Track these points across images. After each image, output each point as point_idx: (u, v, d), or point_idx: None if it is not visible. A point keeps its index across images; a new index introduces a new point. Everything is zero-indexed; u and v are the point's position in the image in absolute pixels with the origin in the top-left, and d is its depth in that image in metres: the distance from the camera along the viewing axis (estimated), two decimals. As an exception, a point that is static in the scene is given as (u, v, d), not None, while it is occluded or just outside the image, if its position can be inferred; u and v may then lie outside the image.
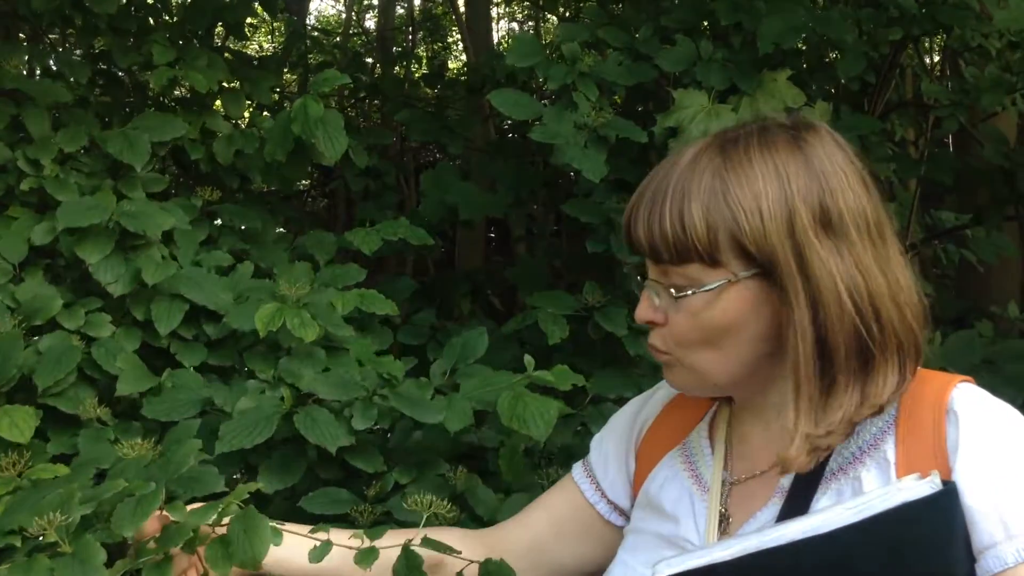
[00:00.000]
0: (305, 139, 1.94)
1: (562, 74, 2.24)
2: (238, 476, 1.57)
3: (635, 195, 1.01)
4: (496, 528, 1.26)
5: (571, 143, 2.09)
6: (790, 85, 2.31)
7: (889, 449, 0.96)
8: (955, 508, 0.90)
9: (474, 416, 1.60)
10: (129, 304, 1.77)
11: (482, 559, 1.07)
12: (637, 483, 1.15)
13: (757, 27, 2.33)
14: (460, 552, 1.06)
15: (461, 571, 1.08)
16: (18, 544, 0.98)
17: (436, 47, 7.68)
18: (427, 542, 1.04)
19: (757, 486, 1.03)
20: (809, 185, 0.94)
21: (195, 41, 2.46)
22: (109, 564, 0.95)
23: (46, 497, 1.01)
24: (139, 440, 1.39)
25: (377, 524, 1.47)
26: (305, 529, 1.08)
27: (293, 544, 1.05)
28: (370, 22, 7.92)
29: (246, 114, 2.61)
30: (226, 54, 2.66)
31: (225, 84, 2.44)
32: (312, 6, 7.74)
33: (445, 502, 1.17)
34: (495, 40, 6.47)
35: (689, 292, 0.97)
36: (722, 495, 1.04)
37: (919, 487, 0.89)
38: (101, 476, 1.36)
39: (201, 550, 0.98)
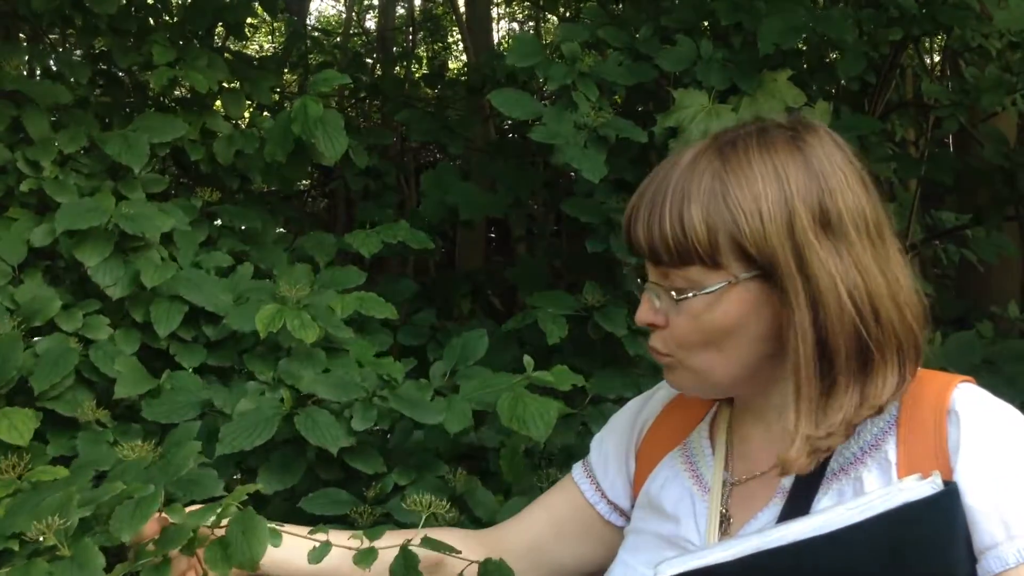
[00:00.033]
0: (305, 139, 1.94)
1: (562, 74, 2.23)
2: (237, 477, 1.57)
3: (634, 197, 1.01)
4: (496, 528, 1.26)
5: (571, 143, 2.09)
6: (790, 85, 2.31)
7: (890, 449, 0.96)
8: (956, 508, 0.90)
9: (474, 416, 1.60)
10: (128, 306, 1.77)
11: (481, 559, 1.06)
12: (637, 483, 1.15)
13: (757, 27, 2.33)
14: (460, 552, 1.06)
15: (462, 572, 1.08)
16: (16, 548, 0.97)
17: (436, 47, 7.68)
18: (426, 542, 1.04)
19: (758, 487, 1.02)
20: (808, 186, 0.94)
21: (195, 41, 2.46)
22: (108, 567, 0.95)
23: (45, 500, 1.01)
24: (139, 442, 1.39)
25: (377, 525, 1.47)
26: (304, 530, 1.08)
27: (292, 545, 1.05)
28: (370, 22, 7.92)
29: (246, 114, 2.61)
30: (226, 54, 2.66)
31: (225, 84, 2.44)
32: (312, 6, 7.74)
33: (444, 502, 1.17)
34: (495, 40, 6.47)
35: (690, 295, 0.96)
36: (723, 495, 1.04)
37: (920, 487, 0.89)
38: (101, 478, 1.36)
39: (200, 552, 0.98)
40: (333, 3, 9.49)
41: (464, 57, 5.78)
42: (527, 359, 1.65)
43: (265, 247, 2.21)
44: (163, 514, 1.00)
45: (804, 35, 2.40)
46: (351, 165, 2.39)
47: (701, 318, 0.97)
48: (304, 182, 5.10)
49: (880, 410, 0.95)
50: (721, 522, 1.03)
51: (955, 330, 2.50)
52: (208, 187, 2.18)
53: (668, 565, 0.92)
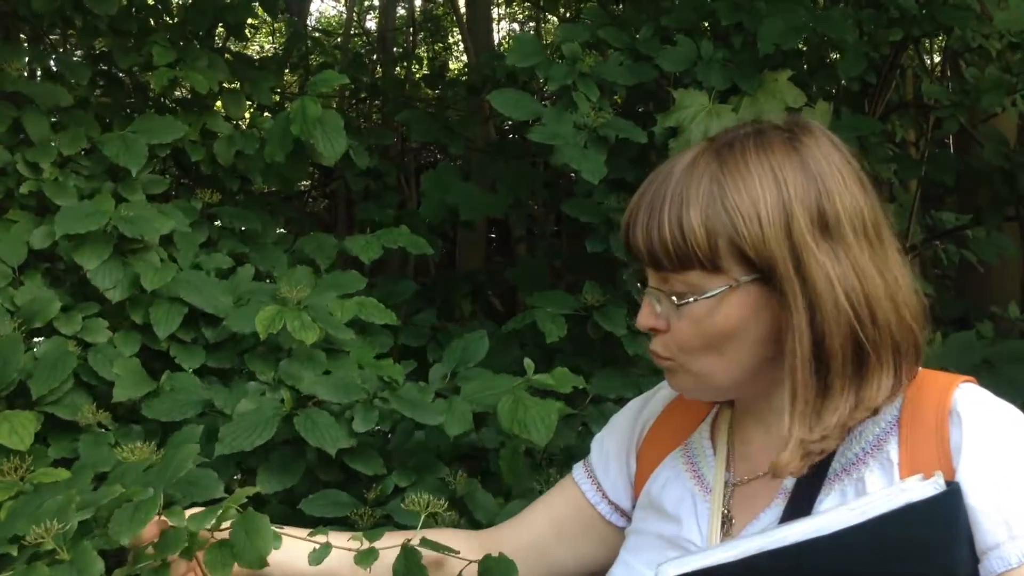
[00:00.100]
0: (304, 140, 1.94)
1: (562, 74, 2.23)
2: (237, 478, 1.57)
3: (632, 203, 1.01)
4: (496, 529, 1.26)
5: (570, 143, 2.09)
6: (791, 85, 2.31)
7: (892, 450, 0.95)
8: (959, 509, 0.90)
9: (474, 417, 1.60)
10: (128, 308, 1.77)
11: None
12: (638, 484, 1.15)
13: (758, 27, 2.33)
14: (458, 552, 1.06)
15: (461, 571, 1.08)
16: (15, 553, 0.97)
17: (437, 48, 7.68)
18: (426, 542, 1.04)
19: (759, 487, 1.02)
20: (806, 188, 0.94)
21: (196, 42, 2.46)
22: (107, 571, 0.95)
23: (44, 504, 1.01)
24: (139, 444, 1.39)
25: (377, 527, 1.47)
26: (304, 532, 1.07)
27: (292, 547, 1.04)
28: (371, 23, 7.92)
29: (247, 115, 2.61)
30: (227, 55, 2.65)
31: (226, 85, 2.44)
32: (313, 7, 7.74)
33: (443, 502, 1.17)
34: (496, 41, 6.47)
35: (691, 299, 0.96)
36: (724, 496, 1.04)
37: (923, 488, 0.89)
38: (102, 480, 1.35)
39: (200, 555, 0.98)
40: (333, 3, 9.49)
41: (464, 57, 5.78)
42: (528, 362, 1.65)
43: (265, 248, 2.21)
44: (162, 517, 1.00)
45: (804, 35, 2.40)
46: (352, 165, 2.39)
47: (702, 322, 0.97)
48: (304, 183, 5.11)
49: (875, 412, 0.95)
50: (723, 523, 1.03)
51: (955, 330, 2.50)
52: (208, 188, 2.18)
53: (670, 566, 0.92)
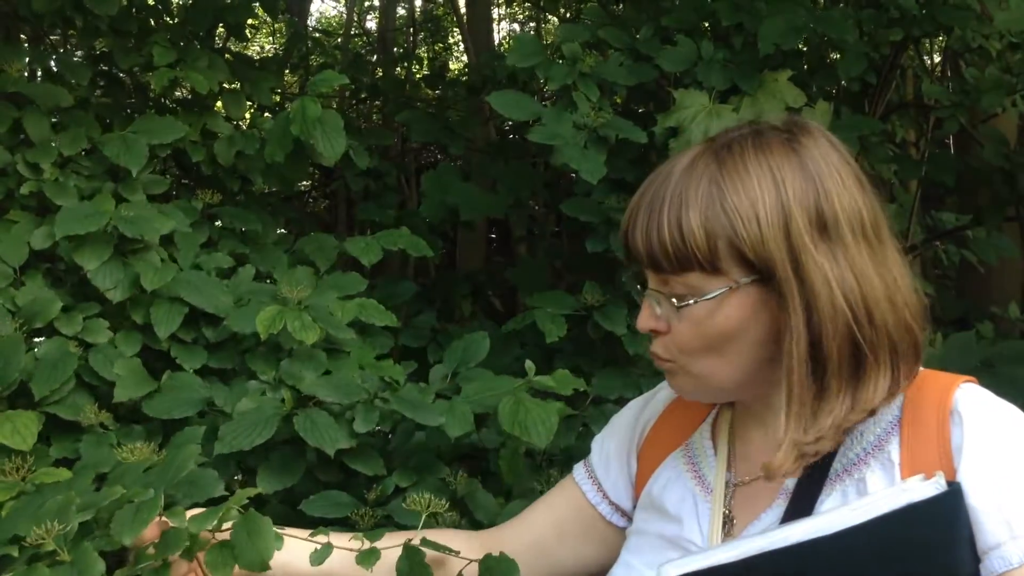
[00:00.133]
0: (304, 140, 1.94)
1: (563, 74, 2.23)
2: (238, 478, 1.57)
3: (631, 205, 1.01)
4: (497, 529, 1.26)
5: (570, 143, 2.09)
6: (791, 86, 2.31)
7: (894, 450, 0.95)
8: (960, 509, 0.90)
9: (475, 418, 1.60)
10: (128, 308, 1.77)
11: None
12: (639, 484, 1.15)
13: (758, 28, 2.33)
14: (458, 552, 1.06)
15: (461, 571, 1.08)
16: (15, 554, 0.97)
17: (437, 48, 7.69)
18: (426, 542, 1.04)
19: (761, 488, 1.02)
20: (805, 188, 0.94)
21: (196, 42, 2.46)
22: (108, 572, 0.95)
23: (45, 504, 1.01)
24: (139, 444, 1.39)
25: (377, 528, 1.47)
26: (304, 533, 1.07)
27: (293, 547, 1.05)
28: (371, 23, 7.93)
29: (247, 115, 2.61)
30: (227, 55, 2.65)
31: (226, 85, 2.44)
32: (313, 7, 7.74)
33: (444, 501, 1.17)
34: (496, 41, 6.48)
35: (691, 301, 0.96)
36: (725, 496, 1.04)
37: (924, 488, 0.89)
38: (102, 480, 1.35)
39: (201, 556, 0.98)
40: (334, 4, 9.49)
41: (465, 58, 5.78)
42: (529, 364, 1.65)
43: (266, 249, 2.21)
44: (163, 518, 1.00)
45: (804, 35, 2.40)
46: (352, 166, 2.38)
47: (702, 324, 0.97)
48: (305, 183, 5.11)
49: (872, 413, 0.95)
50: (724, 523, 1.03)
51: (955, 331, 2.50)
52: (209, 188, 2.18)
53: (671, 566, 0.92)
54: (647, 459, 1.16)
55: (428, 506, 1.14)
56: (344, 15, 8.29)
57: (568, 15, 4.60)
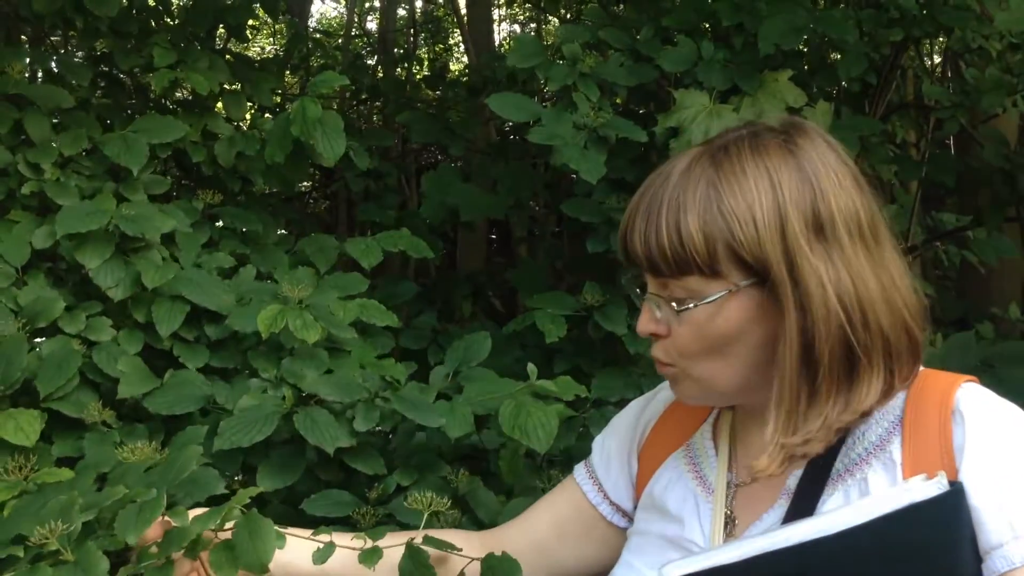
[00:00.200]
0: (304, 140, 1.94)
1: (563, 75, 2.24)
2: (239, 478, 1.57)
3: (629, 208, 1.00)
4: (498, 529, 1.26)
5: (569, 144, 2.09)
6: (791, 86, 2.31)
7: (895, 450, 0.95)
8: (962, 509, 0.89)
9: (476, 419, 1.60)
10: (130, 306, 1.77)
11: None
12: (640, 484, 1.15)
13: (758, 28, 2.33)
14: (460, 549, 1.06)
15: (462, 570, 1.08)
16: (20, 554, 0.97)
17: (437, 49, 7.69)
18: (428, 540, 1.04)
19: (762, 488, 1.02)
20: (801, 190, 0.94)
21: (196, 43, 2.46)
22: (112, 571, 0.95)
23: (48, 504, 1.01)
24: (140, 443, 1.39)
25: (379, 526, 1.47)
26: (306, 532, 1.08)
27: (295, 547, 1.05)
28: (372, 24, 7.93)
29: (248, 116, 2.61)
30: (227, 56, 2.66)
31: (226, 86, 2.44)
32: (314, 8, 7.74)
33: (446, 500, 1.17)
34: (496, 42, 6.48)
35: (691, 305, 0.96)
36: (727, 497, 1.04)
37: (926, 488, 0.89)
38: (103, 480, 1.35)
39: (204, 555, 0.98)
40: (334, 5, 9.50)
41: (465, 58, 5.79)
42: (531, 367, 1.65)
43: (266, 249, 2.21)
44: (166, 517, 1.00)
45: (805, 36, 2.40)
46: (352, 166, 2.39)
47: (703, 327, 0.96)
48: (305, 184, 5.11)
49: (865, 415, 0.95)
50: (726, 523, 1.03)
51: (956, 331, 2.50)
52: (209, 189, 2.18)
53: (673, 567, 0.92)
54: (648, 459, 1.16)
55: (430, 505, 1.14)
56: (344, 16, 8.29)
57: (568, 16, 4.60)
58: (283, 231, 2.67)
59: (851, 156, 1.01)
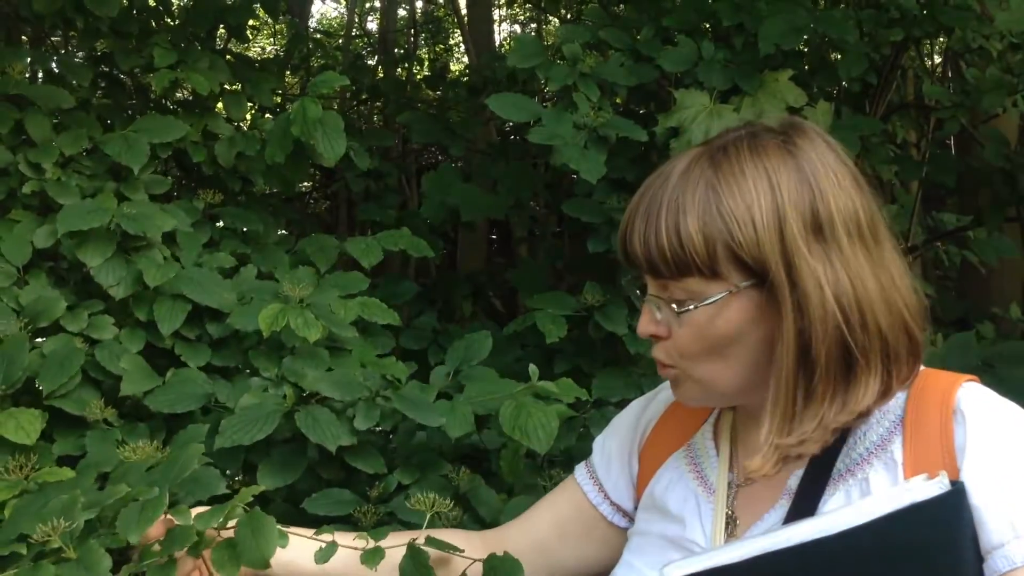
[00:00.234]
0: (304, 141, 1.94)
1: (563, 75, 2.24)
2: (239, 478, 1.57)
3: (628, 210, 1.00)
4: (499, 529, 1.26)
5: (569, 143, 2.09)
6: (792, 85, 2.31)
7: (897, 450, 0.95)
8: (963, 508, 0.89)
9: (476, 420, 1.60)
10: (132, 305, 1.77)
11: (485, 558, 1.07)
12: (640, 484, 1.15)
13: (758, 28, 2.33)
14: (463, 550, 1.06)
15: (464, 571, 1.08)
16: (23, 552, 0.98)
17: (438, 49, 7.70)
18: (431, 541, 1.04)
19: (763, 488, 1.02)
20: (800, 190, 0.94)
21: (197, 43, 2.46)
22: (113, 571, 0.95)
23: (50, 503, 1.01)
24: (142, 442, 1.39)
25: (380, 525, 1.48)
26: (308, 531, 1.08)
27: (297, 546, 1.05)
28: (372, 24, 7.94)
29: (248, 116, 2.61)
30: (228, 56, 2.66)
31: (227, 86, 2.44)
32: (314, 8, 7.75)
33: (448, 501, 1.17)
34: (497, 42, 6.48)
35: (691, 306, 0.96)
36: (728, 497, 1.04)
37: (927, 488, 0.89)
38: (104, 479, 1.36)
39: (206, 554, 0.98)
40: (335, 5, 9.50)
41: (466, 59, 5.79)
42: (532, 368, 1.65)
43: (267, 249, 2.21)
44: (168, 516, 1.00)
45: (805, 36, 2.40)
46: (353, 167, 2.39)
47: (704, 328, 0.96)
48: (306, 184, 5.12)
49: (862, 415, 0.95)
50: (727, 524, 1.03)
51: (956, 331, 2.50)
52: (210, 189, 2.18)
53: (674, 567, 0.92)
54: (649, 459, 1.15)
55: (432, 505, 1.14)
56: (345, 16, 8.30)
57: (569, 16, 4.60)
58: (283, 231, 2.67)
59: (851, 156, 1.01)
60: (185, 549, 0.95)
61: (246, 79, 2.53)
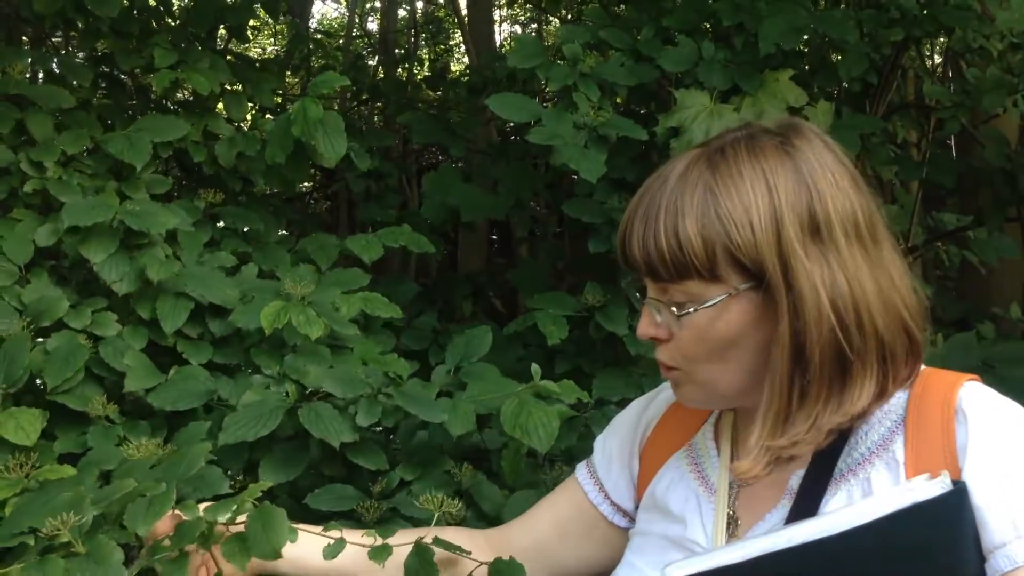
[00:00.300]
0: (305, 141, 1.95)
1: (563, 75, 2.24)
2: (241, 477, 1.57)
3: (627, 213, 1.00)
4: (501, 529, 1.26)
5: (569, 143, 2.09)
6: (792, 85, 2.31)
7: (898, 449, 0.95)
8: (965, 508, 0.89)
9: (477, 419, 1.60)
10: (134, 303, 1.78)
11: (489, 559, 1.07)
12: (641, 484, 1.15)
13: (759, 28, 2.34)
14: (470, 552, 1.06)
15: (471, 573, 1.08)
16: (31, 543, 0.98)
17: (438, 49, 7.70)
18: (438, 542, 1.05)
19: (765, 488, 1.02)
20: (797, 192, 0.94)
21: (197, 44, 2.47)
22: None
23: (57, 498, 1.01)
24: (144, 439, 1.40)
25: (383, 521, 1.48)
26: (314, 527, 1.08)
27: (304, 542, 1.05)
28: (372, 24, 7.94)
29: (248, 117, 2.61)
30: (228, 56, 2.66)
31: (227, 87, 2.44)
32: (315, 9, 7.75)
33: (456, 501, 1.18)
34: (497, 42, 6.48)
35: (691, 309, 0.96)
36: (730, 497, 1.04)
37: (929, 487, 0.89)
38: (105, 477, 1.36)
39: (215, 549, 0.98)
40: (335, 5, 9.50)
41: (466, 59, 5.79)
42: (535, 367, 1.65)
43: (268, 248, 2.21)
44: (176, 511, 1.00)
45: (805, 36, 2.40)
46: (353, 167, 2.39)
47: (704, 331, 0.96)
48: (306, 184, 5.12)
49: (859, 416, 0.95)
50: (728, 524, 1.03)
51: (956, 332, 2.50)
52: (211, 189, 2.18)
53: (675, 567, 0.92)
54: (649, 459, 1.15)
55: (441, 505, 1.14)
56: (345, 17, 8.30)
57: (569, 16, 4.60)
58: (284, 231, 2.67)
59: (851, 156, 1.01)
60: (195, 542, 0.96)
61: (246, 79, 2.53)
